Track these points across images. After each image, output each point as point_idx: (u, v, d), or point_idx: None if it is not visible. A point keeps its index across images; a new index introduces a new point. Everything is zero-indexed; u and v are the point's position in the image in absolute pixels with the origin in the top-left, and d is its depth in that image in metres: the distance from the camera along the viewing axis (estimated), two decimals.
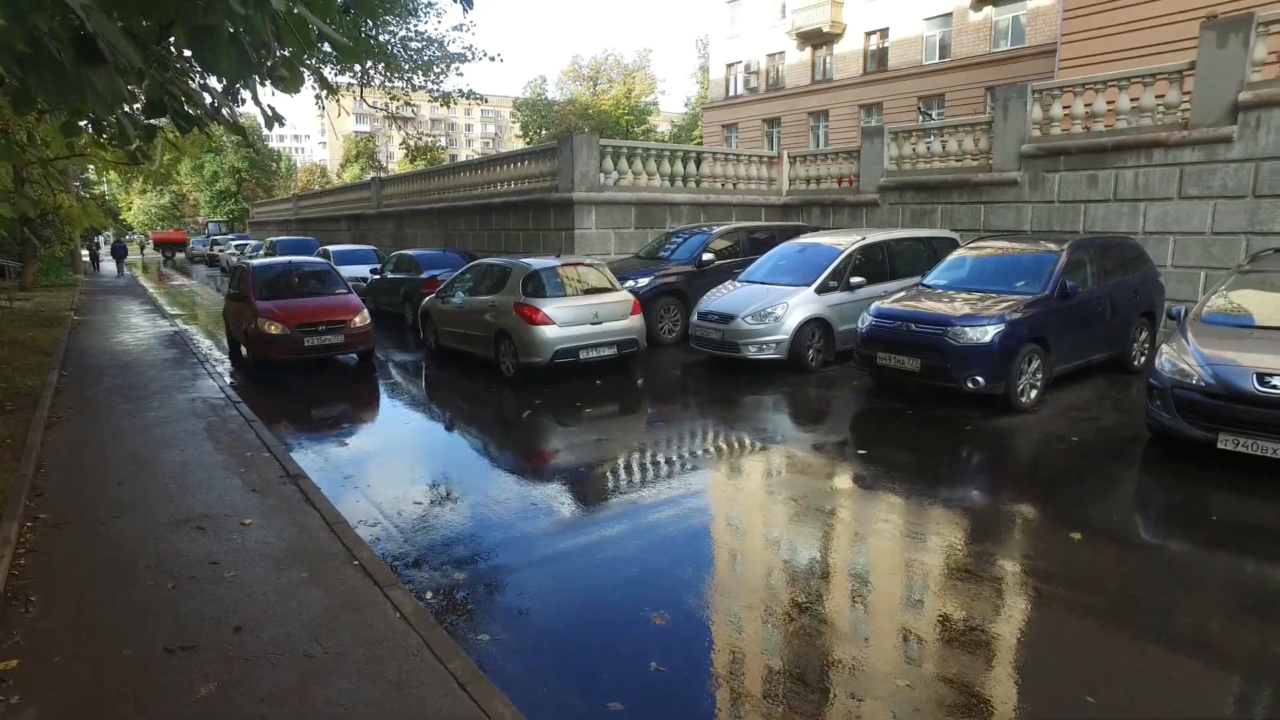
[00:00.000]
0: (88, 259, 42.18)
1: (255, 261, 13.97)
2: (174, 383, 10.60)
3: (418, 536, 5.52)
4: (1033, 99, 13.15)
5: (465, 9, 4.89)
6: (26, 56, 1.90)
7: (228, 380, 10.96)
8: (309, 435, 8.51)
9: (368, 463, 7.39)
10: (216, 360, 12.89)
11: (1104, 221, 12.12)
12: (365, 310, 12.12)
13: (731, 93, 39.13)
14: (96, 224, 17.07)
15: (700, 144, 45.86)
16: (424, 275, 15.30)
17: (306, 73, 2.69)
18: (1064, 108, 12.87)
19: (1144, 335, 10.35)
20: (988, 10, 28.10)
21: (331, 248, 22.20)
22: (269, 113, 3.63)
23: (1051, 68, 20.72)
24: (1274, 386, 6.06)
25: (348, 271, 17.75)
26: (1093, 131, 12.48)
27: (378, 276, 17.65)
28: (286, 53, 2.88)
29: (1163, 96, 11.70)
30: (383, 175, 26.05)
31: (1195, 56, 11.05)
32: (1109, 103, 12.25)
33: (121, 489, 6.25)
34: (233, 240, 42.12)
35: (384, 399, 10.71)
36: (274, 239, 29.64)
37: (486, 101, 40.10)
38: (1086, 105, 12.54)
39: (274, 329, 11.25)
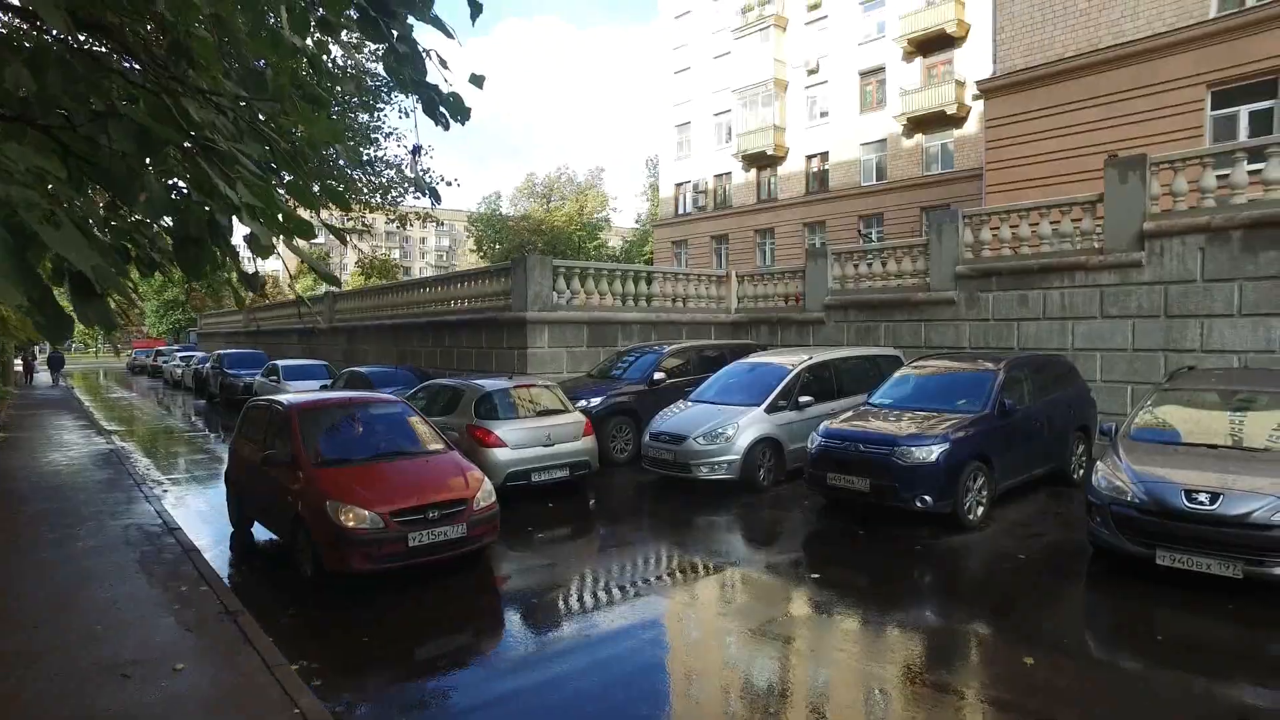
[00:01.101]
0: (20, 369, 40.87)
1: (296, 398, 9.16)
2: (106, 507, 10.16)
3: (364, 678, 5.28)
4: (964, 223, 13.97)
5: (433, 202, 5.00)
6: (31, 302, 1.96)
7: (165, 504, 10.51)
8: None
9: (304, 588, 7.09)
10: (155, 482, 12.42)
11: (1036, 338, 12.72)
12: (486, 479, 7.89)
13: (681, 210, 40.69)
14: (35, 336, 16.71)
15: (651, 259, 47.21)
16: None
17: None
18: (993, 231, 13.69)
19: (1080, 449, 10.70)
20: (919, 137, 30.08)
21: (280, 362, 21.96)
22: (246, 275, 3.63)
23: (980, 189, 22.10)
24: (1201, 503, 6.30)
25: (298, 388, 17.47)
26: (1020, 254, 13.25)
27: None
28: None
29: (1079, 223, 12.56)
30: (335, 290, 26.04)
31: (1104, 189, 11.96)
32: (1033, 226, 13.08)
33: (38, 633, 5.87)
34: (178, 351, 41.37)
35: None
36: (220, 351, 29.23)
37: (442, 224, 40.93)
38: (1013, 229, 13.36)
39: (355, 521, 6.77)
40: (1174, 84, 15.97)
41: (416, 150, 8.89)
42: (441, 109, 3.26)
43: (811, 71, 33.65)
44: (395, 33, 2.80)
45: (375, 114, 19.37)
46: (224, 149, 2.46)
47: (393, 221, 22.41)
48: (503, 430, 10.28)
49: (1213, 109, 15.82)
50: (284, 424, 8.10)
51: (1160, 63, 16.16)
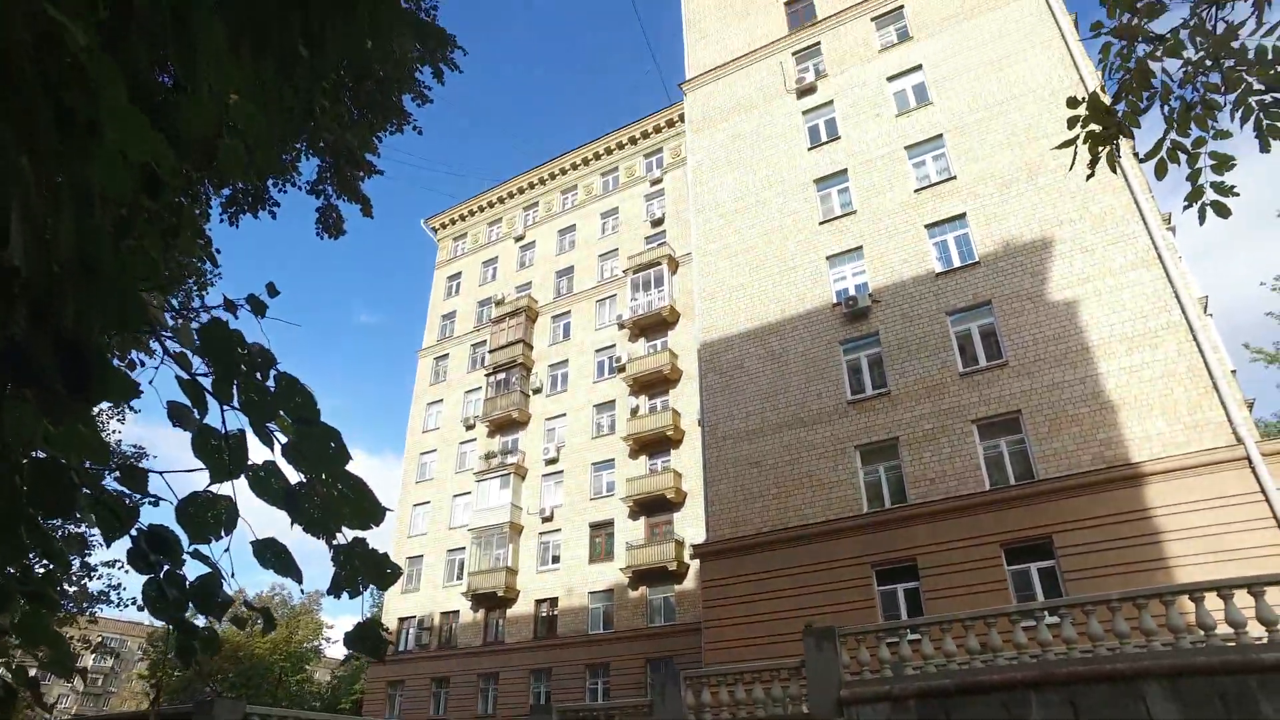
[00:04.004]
0: None
1: None
2: None
3: None
4: (685, 685, 14.28)
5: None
6: None
7: None
8: None
9: None
10: None
11: None
12: None
13: (403, 647, 37.92)
14: None
15: (360, 700, 42.19)
16: None
17: None
18: (712, 693, 14.07)
19: None
20: (643, 589, 31.71)
21: None
22: None
23: (701, 643, 23.11)
24: None
25: None
26: (738, 718, 13.56)
27: None
28: None
29: (787, 686, 13.34)
30: None
31: (805, 656, 13.07)
32: (747, 688, 13.64)
33: None
34: None
35: None
36: None
37: (104, 643, 34.69)
38: (729, 690, 13.82)
39: None
40: (847, 562, 18.76)
41: None
42: None
43: (546, 519, 35.64)
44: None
45: None
46: None
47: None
48: None
49: (878, 585, 18.56)
50: None
51: (835, 543, 19.11)
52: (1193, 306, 17.14)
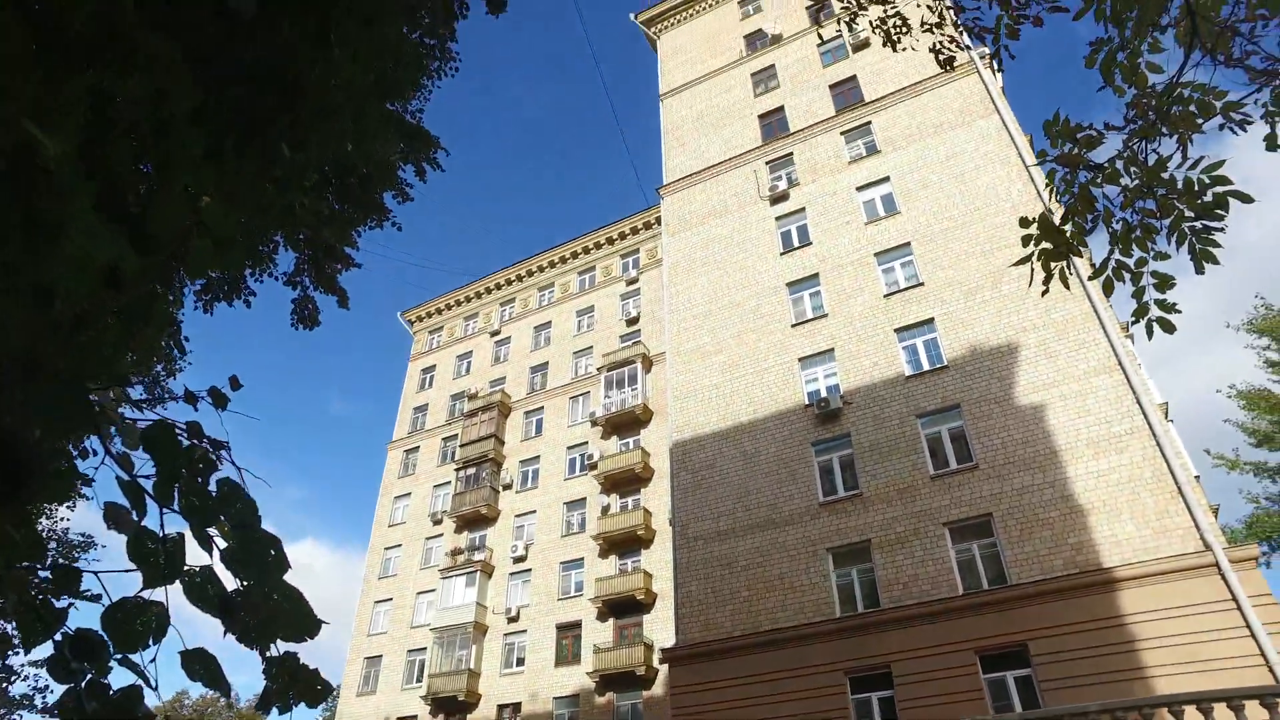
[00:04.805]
0: None
1: None
2: None
3: None
4: None
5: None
6: None
7: None
8: None
9: None
10: None
11: None
12: None
13: None
14: None
15: None
16: None
17: None
18: None
19: None
20: (610, 694, 30.52)
21: None
22: None
23: None
24: None
25: None
26: None
27: None
28: None
29: None
30: None
31: None
32: None
33: None
34: None
35: None
36: None
37: None
38: None
39: None
40: (820, 668, 18.25)
41: None
42: None
43: (512, 619, 34.51)
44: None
45: None
46: None
47: None
48: None
49: (852, 693, 18.01)
50: None
51: (808, 649, 18.63)
52: (1154, 412, 17.50)
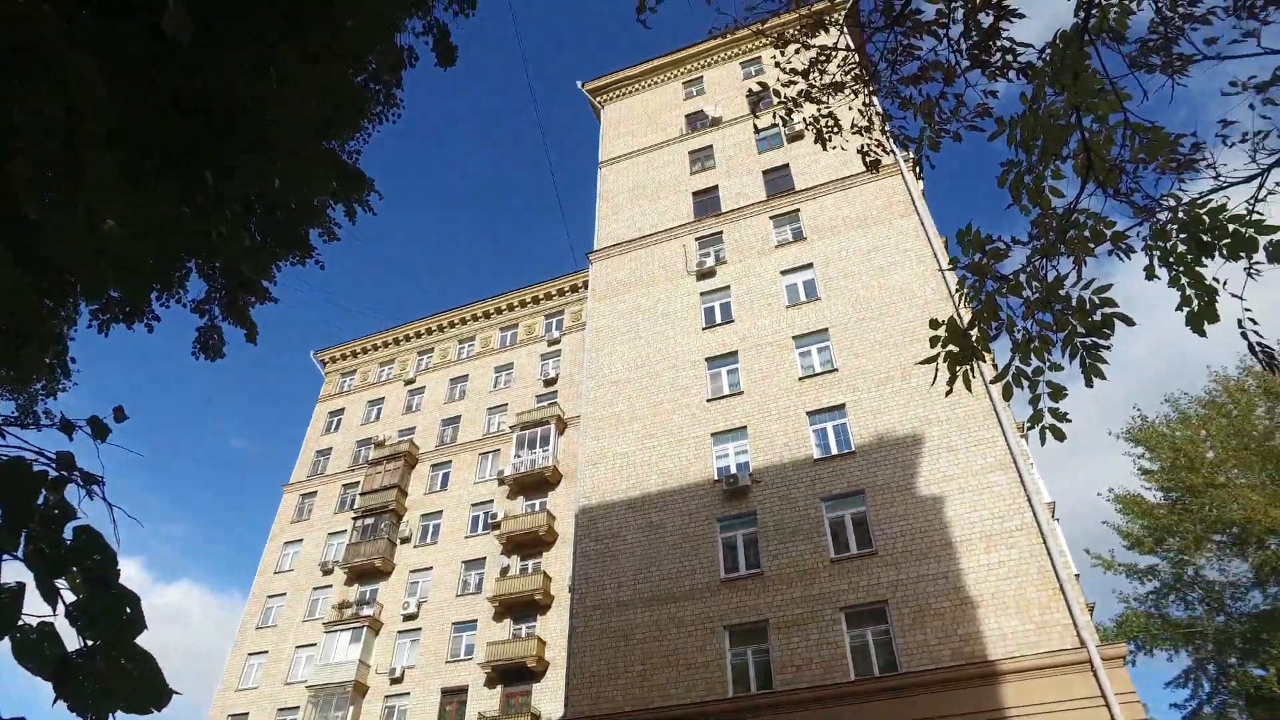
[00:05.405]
0: None
1: None
2: None
3: None
4: None
5: None
6: None
7: None
8: None
9: None
10: None
11: None
12: None
13: None
14: None
15: None
16: None
17: None
18: None
19: None
20: None
21: None
22: None
23: None
24: None
25: None
26: None
27: None
28: None
29: None
30: None
31: None
32: None
33: None
34: None
35: None
36: None
37: None
38: None
39: None
40: None
41: None
42: None
43: (395, 680, 32.85)
44: None
45: None
46: None
47: None
48: None
49: None
50: None
51: None
52: (1043, 511, 18.29)
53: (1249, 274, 4.30)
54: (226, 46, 4.18)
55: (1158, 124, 4.31)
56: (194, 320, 10.00)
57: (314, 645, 35.11)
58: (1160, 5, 4.53)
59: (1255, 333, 4.41)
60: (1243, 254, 4.16)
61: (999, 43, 4.65)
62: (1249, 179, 4.44)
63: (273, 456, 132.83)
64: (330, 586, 37.36)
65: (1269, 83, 4.65)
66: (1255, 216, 4.19)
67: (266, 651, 36.62)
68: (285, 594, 38.38)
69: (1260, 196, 4.38)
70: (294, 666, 35.41)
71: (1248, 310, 4.37)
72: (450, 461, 39.76)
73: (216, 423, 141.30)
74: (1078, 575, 18.48)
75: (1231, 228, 4.14)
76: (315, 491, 42.27)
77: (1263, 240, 4.16)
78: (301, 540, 40.32)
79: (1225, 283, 4.24)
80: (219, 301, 10.43)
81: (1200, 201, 4.30)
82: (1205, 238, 4.13)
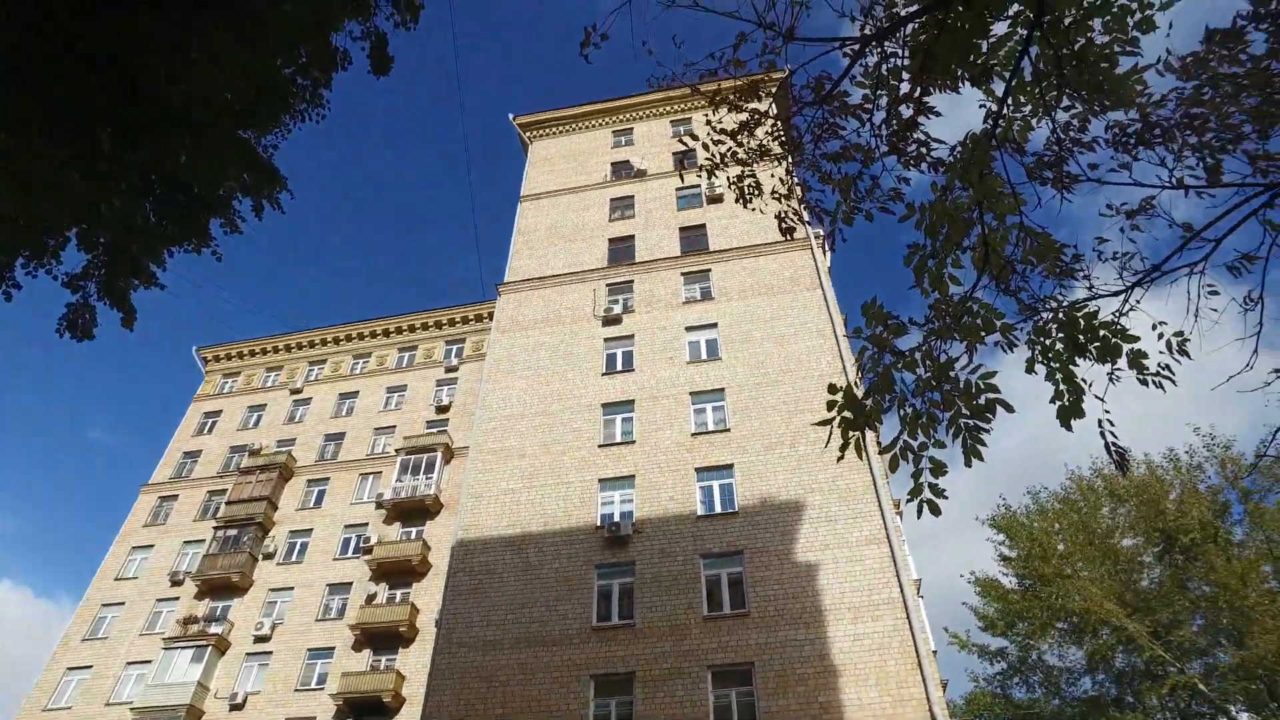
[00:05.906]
0: None
1: None
2: None
3: None
4: None
5: None
6: None
7: None
8: None
9: None
10: None
11: None
12: None
13: None
14: None
15: None
16: None
17: None
18: None
19: None
20: None
21: None
22: None
23: None
24: None
25: None
26: None
27: None
28: None
29: None
30: None
31: None
32: None
33: None
34: None
35: None
36: None
37: None
38: None
39: None
40: None
41: None
42: None
43: (236, 707, 30.62)
44: None
45: None
46: None
47: None
48: None
49: None
50: None
51: None
52: (909, 587, 18.98)
53: (1110, 379, 4.72)
54: (146, 9, 4.00)
55: (1047, 230, 4.71)
56: (65, 295, 9.32)
57: (148, 663, 32.35)
58: (1055, 126, 4.97)
59: (1111, 434, 4.83)
60: (1109, 359, 4.57)
61: (916, 135, 4.99)
62: (1116, 293, 4.91)
63: (134, 454, 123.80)
64: (178, 599, 34.71)
65: (1136, 210, 5.21)
66: (1119, 326, 4.63)
67: (91, 666, 33.44)
68: (124, 603, 35.37)
69: (1124, 310, 4.85)
70: (121, 685, 32.47)
71: (1107, 412, 4.79)
72: (329, 479, 38.06)
73: (75, 410, 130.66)
74: (935, 652, 19.20)
75: (1102, 333, 4.54)
76: (177, 495, 39.52)
77: (1126, 348, 4.60)
78: (153, 546, 37.42)
79: (1091, 384, 4.64)
80: (97, 279, 9.72)
81: (1077, 306, 4.70)
82: (1080, 339, 4.50)
